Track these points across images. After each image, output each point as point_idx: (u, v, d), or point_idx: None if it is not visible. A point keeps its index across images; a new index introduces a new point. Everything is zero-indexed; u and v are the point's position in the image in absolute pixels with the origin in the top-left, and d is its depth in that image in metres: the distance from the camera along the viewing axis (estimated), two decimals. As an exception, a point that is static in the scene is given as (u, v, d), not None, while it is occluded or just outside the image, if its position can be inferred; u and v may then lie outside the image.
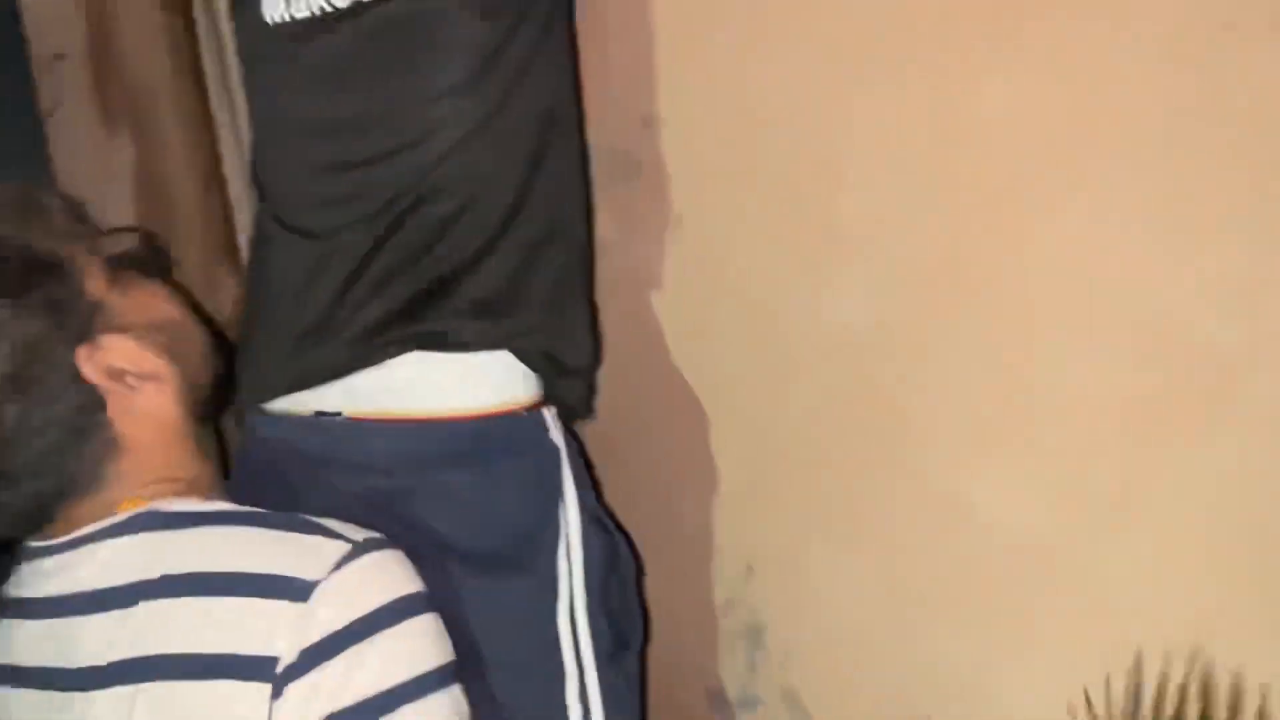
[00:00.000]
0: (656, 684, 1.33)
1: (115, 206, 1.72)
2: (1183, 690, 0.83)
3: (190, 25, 1.69)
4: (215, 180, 1.69)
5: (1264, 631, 0.87)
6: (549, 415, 0.83)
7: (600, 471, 1.15)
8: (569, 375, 0.86)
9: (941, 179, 0.99)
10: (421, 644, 0.67)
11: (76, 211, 0.79)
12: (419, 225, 0.80)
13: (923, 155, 1.00)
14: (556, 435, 0.84)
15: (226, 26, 1.64)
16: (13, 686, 0.72)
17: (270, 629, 0.63)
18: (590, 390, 0.91)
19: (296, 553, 0.66)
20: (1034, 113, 0.93)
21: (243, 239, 1.69)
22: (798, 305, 1.09)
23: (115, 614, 0.68)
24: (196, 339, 0.81)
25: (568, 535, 0.82)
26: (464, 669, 0.71)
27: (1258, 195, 0.85)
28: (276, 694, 0.62)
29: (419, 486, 0.79)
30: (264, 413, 0.90)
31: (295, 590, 0.64)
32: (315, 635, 0.63)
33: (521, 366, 0.83)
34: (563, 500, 0.82)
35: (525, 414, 0.83)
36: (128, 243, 0.82)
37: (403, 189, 0.80)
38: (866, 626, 1.11)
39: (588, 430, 1.16)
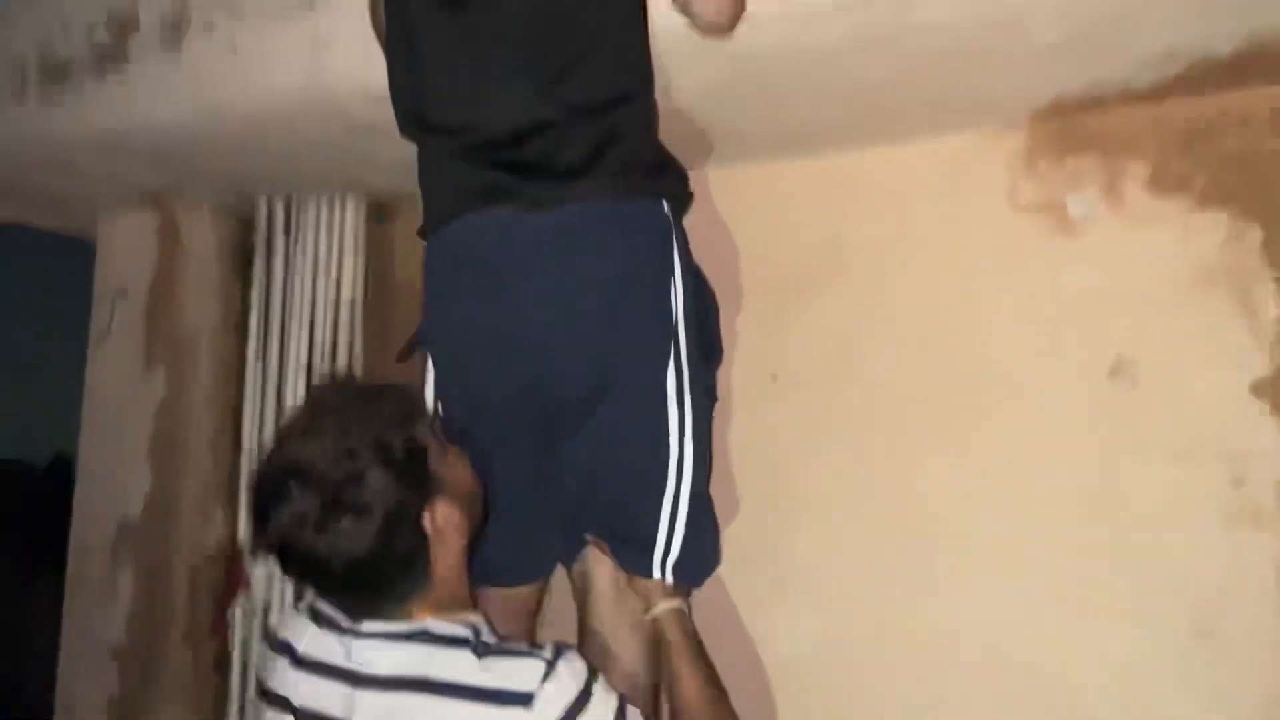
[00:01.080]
0: None
1: (134, 435, 1.82)
2: None
3: (246, 278, 1.84)
4: (229, 425, 1.79)
5: None
6: (665, 204, 1.20)
7: None
8: (679, 200, 1.23)
9: (882, 535, 1.08)
10: (604, 708, 0.92)
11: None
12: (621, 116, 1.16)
13: (868, 513, 1.09)
14: (668, 214, 1.19)
15: (279, 281, 1.78)
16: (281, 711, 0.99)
17: None
18: (687, 198, 1.26)
19: (515, 670, 0.92)
20: (966, 493, 1.03)
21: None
22: (752, 629, 1.16)
23: (372, 693, 0.94)
24: (482, 498, 1.04)
25: (675, 273, 1.17)
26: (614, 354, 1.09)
27: (1157, 597, 0.92)
28: None
29: (588, 243, 1.14)
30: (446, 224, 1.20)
31: (521, 698, 0.90)
32: None
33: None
34: (672, 252, 1.17)
35: (651, 202, 1.20)
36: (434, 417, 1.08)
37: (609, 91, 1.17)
38: None
39: None
